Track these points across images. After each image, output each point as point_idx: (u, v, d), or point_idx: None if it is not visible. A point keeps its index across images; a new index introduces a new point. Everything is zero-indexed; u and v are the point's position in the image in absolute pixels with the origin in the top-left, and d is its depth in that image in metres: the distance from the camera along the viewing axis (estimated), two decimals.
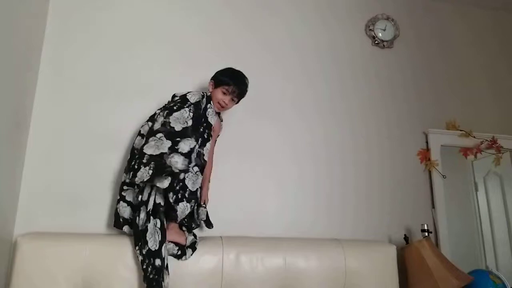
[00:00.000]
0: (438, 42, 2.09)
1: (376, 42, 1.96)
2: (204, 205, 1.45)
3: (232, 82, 1.45)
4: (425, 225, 1.66)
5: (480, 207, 1.95)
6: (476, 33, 2.18)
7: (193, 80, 1.63)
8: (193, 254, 1.36)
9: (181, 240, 1.36)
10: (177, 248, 1.34)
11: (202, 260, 1.38)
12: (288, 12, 1.88)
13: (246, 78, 1.49)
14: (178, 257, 1.34)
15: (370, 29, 1.96)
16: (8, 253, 1.31)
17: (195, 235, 1.42)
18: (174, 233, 1.35)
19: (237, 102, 1.51)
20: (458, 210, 1.91)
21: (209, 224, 1.46)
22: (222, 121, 1.55)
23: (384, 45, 1.96)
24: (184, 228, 1.41)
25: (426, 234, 1.65)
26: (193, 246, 1.37)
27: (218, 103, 1.46)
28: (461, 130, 1.92)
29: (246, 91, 1.49)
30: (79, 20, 1.61)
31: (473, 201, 1.95)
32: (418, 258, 1.59)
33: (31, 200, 1.41)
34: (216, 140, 1.52)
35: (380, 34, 1.96)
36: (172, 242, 1.34)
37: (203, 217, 1.44)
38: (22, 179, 1.42)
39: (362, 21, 1.99)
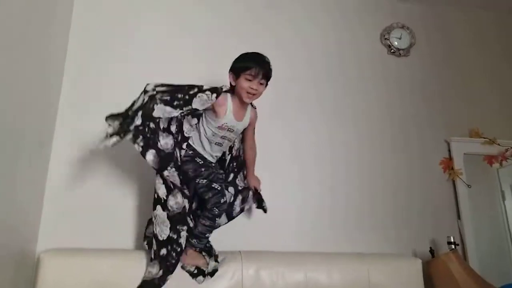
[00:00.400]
0: (456, 49, 2.06)
1: (392, 51, 1.95)
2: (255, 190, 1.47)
3: (253, 64, 1.29)
4: (451, 237, 1.61)
5: (508, 216, 1.86)
6: (496, 39, 2.14)
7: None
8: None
9: (201, 264, 1.35)
10: (194, 267, 1.34)
11: (221, 276, 1.36)
12: (306, 33, 1.90)
13: (265, 56, 1.34)
14: (193, 275, 1.32)
15: (385, 38, 1.95)
16: (32, 269, 1.33)
17: (217, 261, 1.39)
18: (194, 257, 1.35)
19: (266, 85, 1.34)
20: (485, 220, 1.84)
21: (262, 206, 1.47)
22: (255, 108, 1.44)
23: (400, 54, 1.95)
24: (204, 253, 1.39)
25: (453, 246, 1.59)
26: (213, 273, 1.35)
27: (247, 92, 1.30)
28: (484, 138, 1.87)
29: (271, 69, 1.33)
30: (101, 37, 1.65)
31: (501, 211, 1.88)
32: (445, 272, 1.53)
33: (54, 217, 1.43)
34: (254, 130, 1.46)
35: (396, 43, 1.95)
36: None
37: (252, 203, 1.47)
38: (44, 196, 1.44)
39: (377, 30, 1.98)
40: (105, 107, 1.53)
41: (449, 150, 1.85)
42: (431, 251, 1.62)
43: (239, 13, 1.84)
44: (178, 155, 1.31)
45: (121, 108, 1.21)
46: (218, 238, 1.46)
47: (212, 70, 1.62)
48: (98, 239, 1.42)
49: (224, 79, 1.36)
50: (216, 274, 1.35)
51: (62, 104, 1.55)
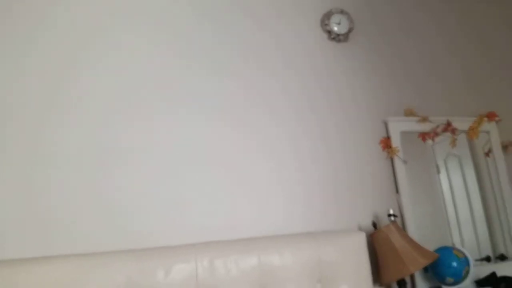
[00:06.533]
0: (391, 32, 2.16)
1: (332, 37, 1.99)
2: None
3: None
4: (391, 210, 1.74)
5: (443, 188, 2.04)
6: (430, 20, 2.27)
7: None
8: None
9: None
10: None
11: (176, 271, 1.37)
12: (241, 10, 1.87)
13: None
14: None
15: (325, 24, 1.99)
16: None
17: None
18: None
19: None
20: (423, 193, 1.99)
21: None
22: None
23: (340, 39, 2.00)
24: None
25: (392, 218, 1.72)
26: None
27: None
28: (418, 116, 2.00)
29: None
30: None
31: (437, 183, 2.04)
32: (386, 242, 1.66)
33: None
34: None
35: (335, 28, 1.99)
36: None
37: None
38: None
39: (317, 16, 2.01)
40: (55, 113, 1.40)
41: (387, 130, 1.97)
42: (374, 224, 1.74)
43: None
44: None
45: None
46: (170, 234, 1.47)
47: None
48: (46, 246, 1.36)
49: None
50: (168, 269, 1.35)
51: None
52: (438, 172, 2.06)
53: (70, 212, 1.41)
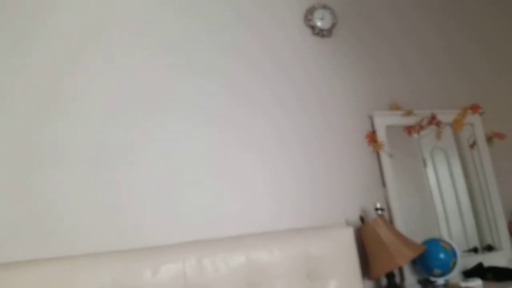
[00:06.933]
0: (375, 26, 2.17)
1: (316, 32, 1.99)
2: None
3: None
4: (378, 204, 1.74)
5: (430, 181, 2.06)
6: (415, 13, 2.28)
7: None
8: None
9: None
10: None
11: (163, 271, 1.35)
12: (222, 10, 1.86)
13: None
14: None
15: (309, 19, 1.99)
16: None
17: None
18: None
19: None
20: (410, 186, 2.00)
21: None
22: None
23: (324, 34, 2.00)
24: None
25: (379, 212, 1.73)
26: None
27: None
28: (403, 110, 2.01)
29: None
30: None
31: (424, 176, 2.05)
32: (374, 236, 1.66)
33: None
34: None
35: (319, 24, 1.99)
36: None
37: None
38: None
39: (300, 12, 2.00)
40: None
41: (372, 124, 1.97)
42: (361, 218, 1.75)
43: None
44: None
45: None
46: (157, 234, 1.45)
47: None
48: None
49: None
50: (158, 269, 1.33)
51: None
52: (425, 165, 2.07)
53: (58, 212, 1.39)
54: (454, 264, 1.76)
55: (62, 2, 1.58)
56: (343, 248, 1.62)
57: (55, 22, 1.55)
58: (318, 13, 1.99)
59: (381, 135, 1.94)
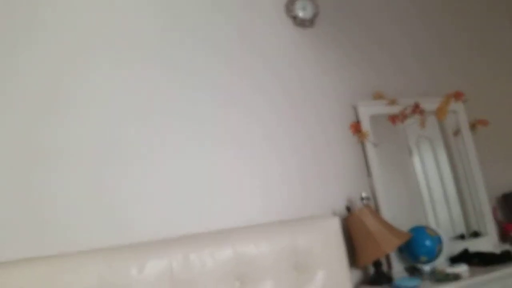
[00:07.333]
0: (358, 15, 2.16)
1: (298, 22, 1.97)
2: None
3: None
4: (363, 193, 1.75)
5: (416, 170, 2.07)
6: (396, 2, 2.28)
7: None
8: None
9: None
10: None
11: (148, 267, 1.33)
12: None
13: None
14: None
15: (290, 10, 1.96)
16: None
17: None
18: None
19: None
20: (396, 175, 2.02)
21: None
22: None
23: (306, 24, 1.98)
24: None
25: (365, 201, 1.74)
26: None
27: None
28: (387, 99, 2.02)
29: None
30: None
31: (410, 165, 2.07)
32: (360, 225, 1.68)
33: None
34: None
35: (300, 14, 1.96)
36: None
37: None
38: None
39: (281, 2, 1.98)
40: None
41: (357, 114, 1.97)
42: (348, 208, 1.76)
43: None
44: None
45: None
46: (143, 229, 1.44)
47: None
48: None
49: None
50: (144, 265, 1.32)
51: None
52: (411, 154, 2.09)
53: (50, 211, 1.38)
54: (440, 250, 1.78)
55: (62, 2, 1.56)
56: (330, 239, 1.62)
57: (55, 22, 1.53)
58: (300, 3, 1.97)
59: (366, 125, 1.94)
